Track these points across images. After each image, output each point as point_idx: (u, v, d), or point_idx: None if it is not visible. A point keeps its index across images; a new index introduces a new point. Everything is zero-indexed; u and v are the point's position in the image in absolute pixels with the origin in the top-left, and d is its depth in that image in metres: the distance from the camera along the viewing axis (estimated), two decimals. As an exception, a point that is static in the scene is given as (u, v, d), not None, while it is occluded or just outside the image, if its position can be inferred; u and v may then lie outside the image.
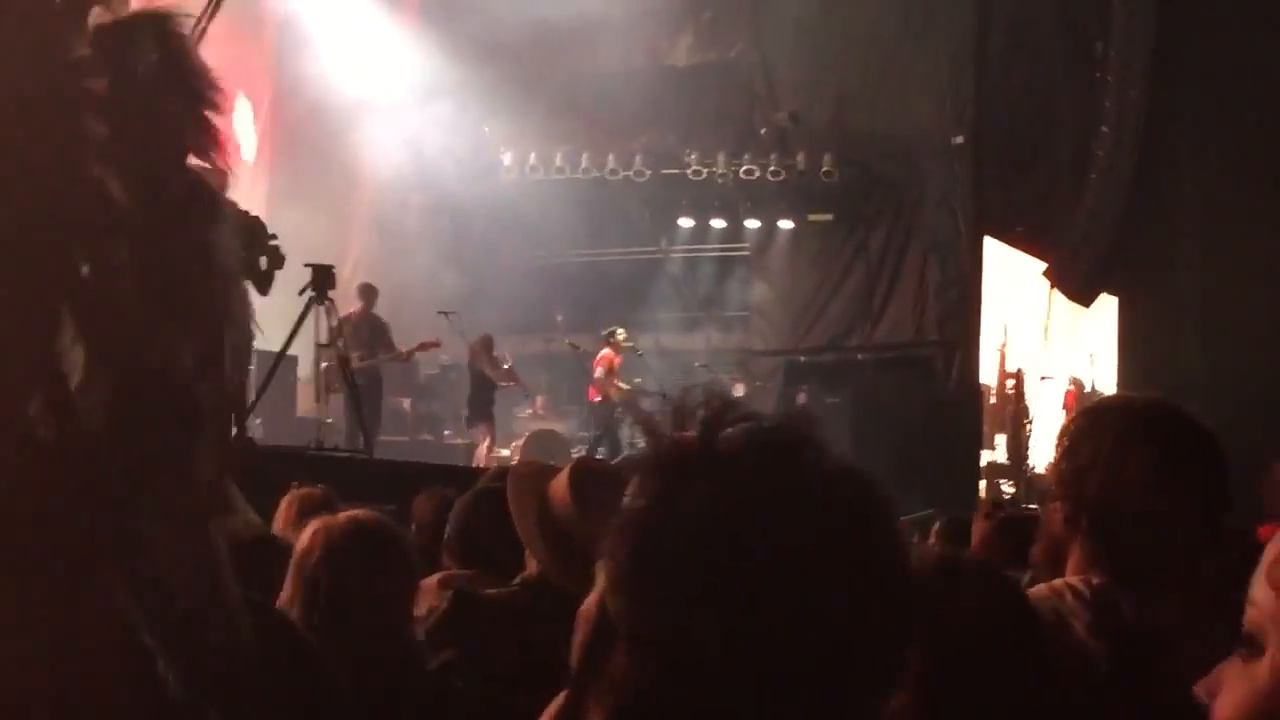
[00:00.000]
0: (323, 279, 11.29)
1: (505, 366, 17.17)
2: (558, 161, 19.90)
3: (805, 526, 1.31)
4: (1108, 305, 20.53)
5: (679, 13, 20.02)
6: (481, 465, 15.13)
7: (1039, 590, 2.60)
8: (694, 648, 1.30)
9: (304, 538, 3.19)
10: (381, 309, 15.33)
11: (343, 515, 3.29)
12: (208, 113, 1.01)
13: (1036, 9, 18.43)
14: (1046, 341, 19.86)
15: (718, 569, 1.30)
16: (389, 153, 19.03)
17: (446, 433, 18.65)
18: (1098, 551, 2.59)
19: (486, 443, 16.58)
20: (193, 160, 1.01)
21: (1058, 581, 2.61)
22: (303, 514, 4.46)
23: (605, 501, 3.20)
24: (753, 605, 1.29)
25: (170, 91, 0.99)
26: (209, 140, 1.01)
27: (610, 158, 19.73)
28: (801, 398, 17.30)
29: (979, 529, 5.75)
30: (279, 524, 4.77)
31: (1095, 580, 2.56)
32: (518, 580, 3.71)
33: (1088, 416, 2.74)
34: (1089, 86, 18.69)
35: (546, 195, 19.66)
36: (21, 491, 0.88)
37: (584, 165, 19.81)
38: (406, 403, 17.96)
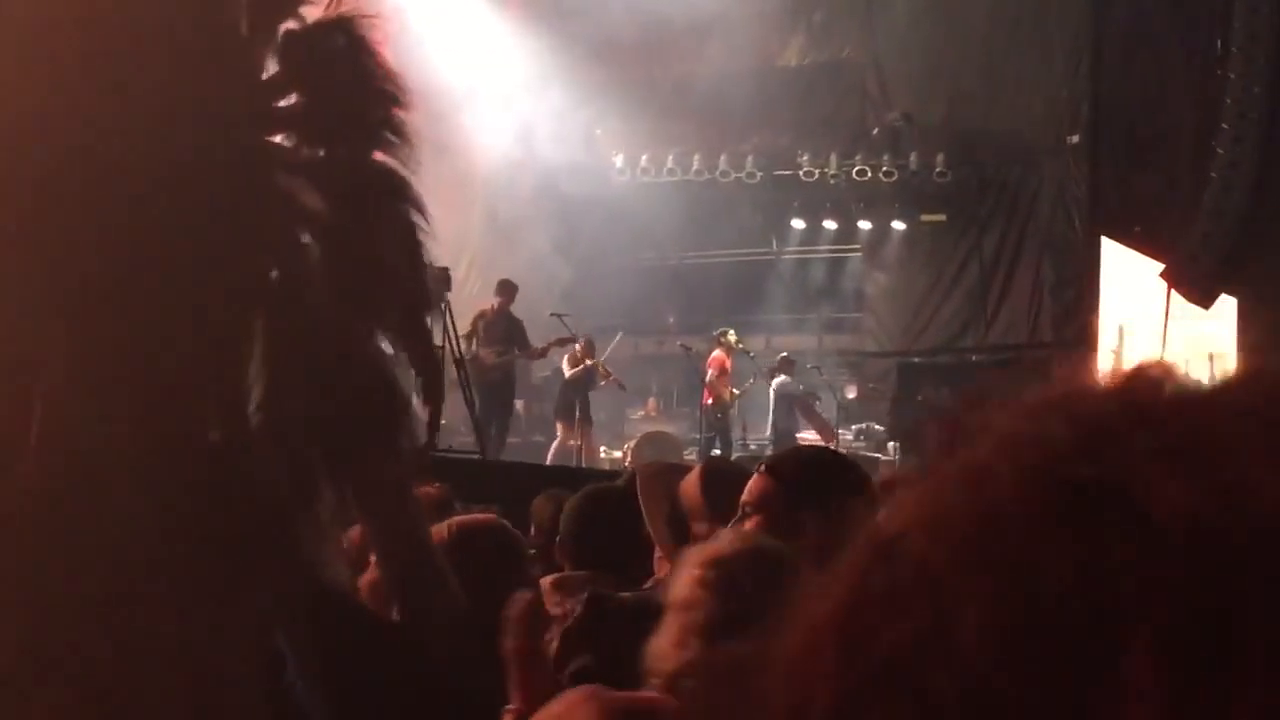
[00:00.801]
0: (438, 282, 11.36)
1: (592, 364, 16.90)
2: (669, 163, 19.93)
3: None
4: (1227, 306, 20.07)
5: (790, 13, 19.96)
6: (549, 461, 15.07)
7: None
8: None
9: None
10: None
11: (458, 520, 3.30)
12: (395, 110, 1.03)
13: (1151, 5, 18.10)
14: (1164, 344, 19.47)
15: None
16: (500, 149, 19.15)
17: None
18: None
19: (560, 438, 16.45)
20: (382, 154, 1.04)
21: None
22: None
23: (736, 502, 3.21)
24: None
25: (359, 92, 1.01)
26: (397, 135, 1.03)
27: (722, 159, 19.73)
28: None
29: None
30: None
31: None
32: (650, 582, 3.68)
33: None
34: (1208, 83, 18.28)
35: (658, 197, 19.70)
36: (180, 501, 0.90)
37: (695, 167, 19.84)
38: (520, 404, 18.00)
